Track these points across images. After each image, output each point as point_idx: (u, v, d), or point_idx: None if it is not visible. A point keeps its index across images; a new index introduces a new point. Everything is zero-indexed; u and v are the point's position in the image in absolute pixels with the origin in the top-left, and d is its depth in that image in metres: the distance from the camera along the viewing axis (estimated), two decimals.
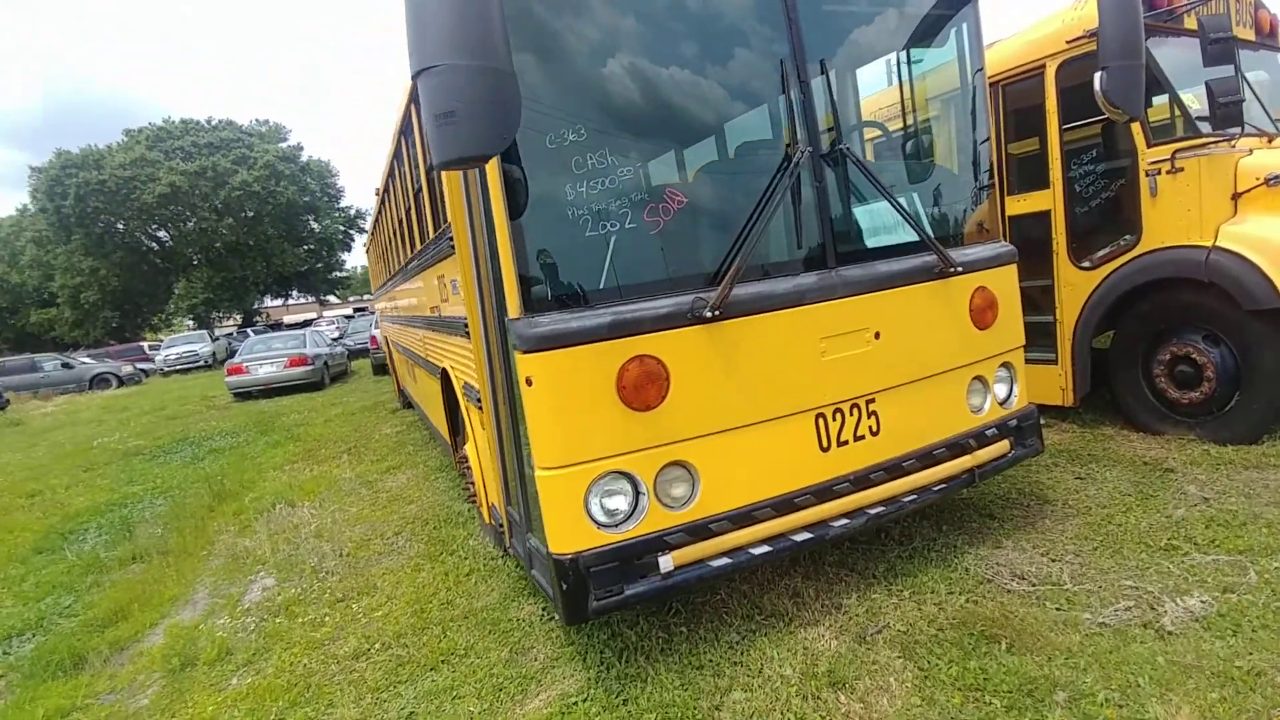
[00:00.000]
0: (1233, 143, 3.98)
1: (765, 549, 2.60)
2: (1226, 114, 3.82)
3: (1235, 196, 3.95)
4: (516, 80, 1.85)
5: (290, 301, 46.93)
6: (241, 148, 35.27)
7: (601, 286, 2.46)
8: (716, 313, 2.46)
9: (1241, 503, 3.33)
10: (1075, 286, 4.49)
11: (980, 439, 3.07)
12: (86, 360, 25.52)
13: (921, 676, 2.37)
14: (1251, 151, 3.98)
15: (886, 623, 2.69)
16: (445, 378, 4.45)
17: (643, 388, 2.42)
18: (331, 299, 46.97)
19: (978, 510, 3.62)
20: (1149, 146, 4.15)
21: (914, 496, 2.87)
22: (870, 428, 2.81)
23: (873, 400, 2.81)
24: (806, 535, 2.66)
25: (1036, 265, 4.72)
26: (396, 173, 5.72)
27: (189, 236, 35.37)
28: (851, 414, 2.77)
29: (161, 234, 36.68)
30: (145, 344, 32.53)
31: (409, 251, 5.61)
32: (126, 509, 6.69)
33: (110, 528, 6.09)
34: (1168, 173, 4.09)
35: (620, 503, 2.48)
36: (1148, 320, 4.31)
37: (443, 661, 2.99)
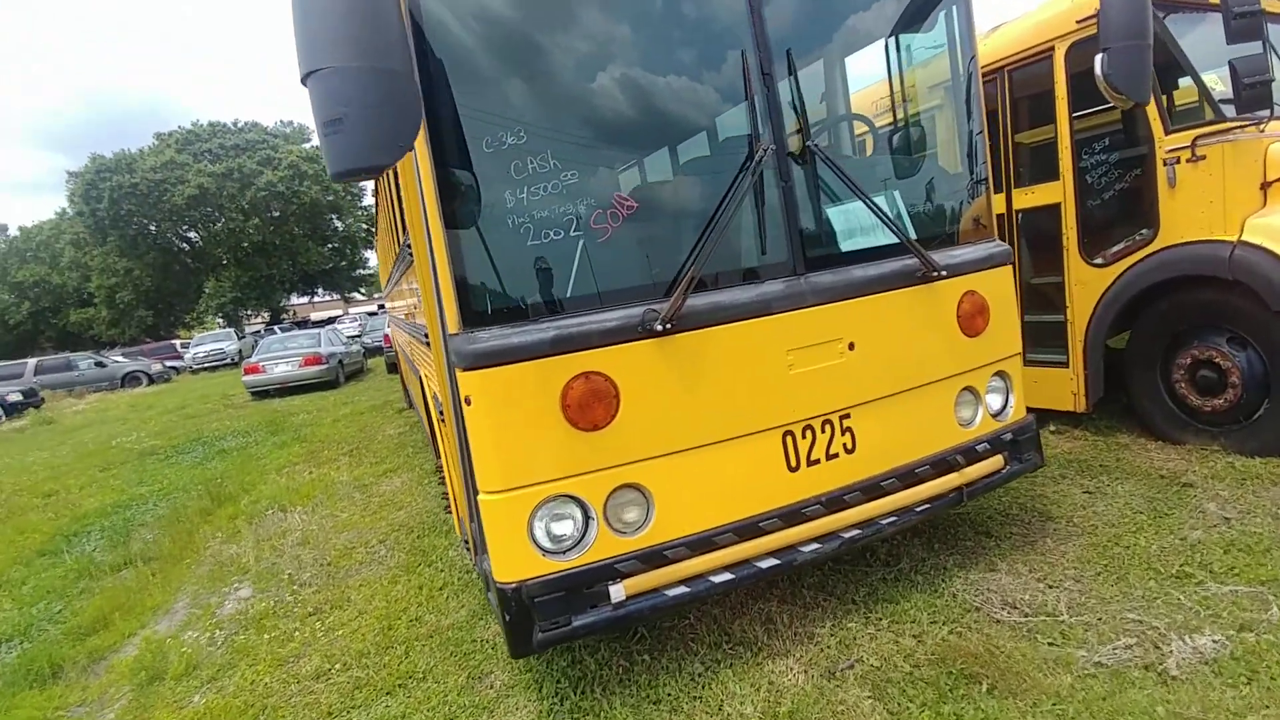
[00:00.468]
0: (1261, 127, 3.62)
1: (727, 577, 2.42)
2: (1254, 95, 3.45)
3: (1265, 186, 3.60)
4: (415, 82, 1.69)
5: (316, 299, 47.71)
6: (266, 149, 35.82)
7: (546, 299, 2.30)
8: (669, 325, 2.29)
9: (1267, 524, 3.03)
10: (1087, 284, 4.20)
11: (969, 455, 2.84)
12: (119, 359, 26.23)
13: None
14: None
15: (860, 656, 2.50)
16: (423, 385, 4.35)
17: (589, 406, 2.26)
18: (356, 296, 47.59)
19: (974, 527, 3.39)
20: (1167, 133, 3.84)
21: (894, 518, 2.66)
22: (845, 445, 2.61)
23: (847, 416, 2.61)
24: (773, 561, 2.48)
25: (1046, 261, 4.44)
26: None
27: (218, 237, 36.09)
28: (823, 431, 2.57)
29: (191, 235, 37.51)
30: (178, 342, 33.35)
31: (394, 254, 5.54)
32: (131, 511, 6.74)
33: (112, 531, 6.14)
34: (1188, 161, 3.78)
35: (568, 528, 2.32)
36: (1166, 321, 4.00)
37: (399, 686, 2.88)
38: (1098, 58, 2.75)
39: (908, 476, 2.71)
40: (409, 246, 3.21)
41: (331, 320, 36.27)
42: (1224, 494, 3.37)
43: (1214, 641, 2.32)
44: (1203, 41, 3.89)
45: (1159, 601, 2.61)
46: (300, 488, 6.32)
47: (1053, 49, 4.15)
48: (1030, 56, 4.30)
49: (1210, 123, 3.74)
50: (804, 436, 2.54)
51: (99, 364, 24.60)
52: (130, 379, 23.79)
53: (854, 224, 2.67)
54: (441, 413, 3.17)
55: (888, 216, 2.61)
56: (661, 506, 2.38)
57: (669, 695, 2.46)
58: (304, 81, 1.65)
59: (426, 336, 3.20)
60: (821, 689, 2.36)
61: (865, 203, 2.55)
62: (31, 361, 24.15)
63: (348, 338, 19.88)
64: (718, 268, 2.43)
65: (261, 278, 36.84)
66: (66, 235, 39.67)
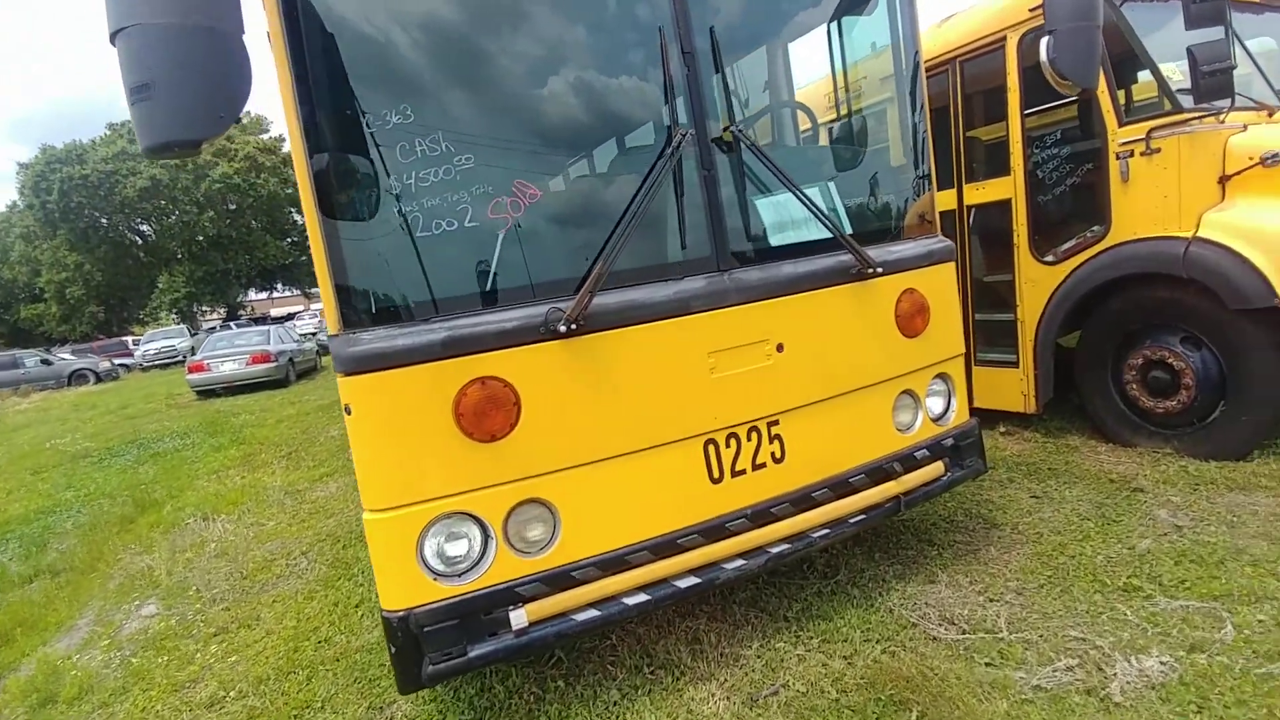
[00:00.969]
0: (1221, 117, 3.46)
1: (642, 598, 2.22)
2: (1213, 84, 3.25)
3: (1223, 180, 3.44)
4: (243, 43, 1.44)
5: (276, 295, 46.40)
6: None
7: (437, 297, 2.07)
8: (575, 326, 2.07)
9: (1221, 533, 2.88)
10: (1037, 282, 4.08)
11: (907, 462, 2.68)
12: (66, 356, 25.20)
13: None
14: (1245, 128, 3.44)
15: (785, 681, 2.31)
16: None
17: (485, 415, 2.04)
18: (316, 291, 46.44)
19: (916, 535, 3.24)
20: (1120, 126, 3.71)
21: (826, 531, 2.49)
22: (773, 454, 2.43)
23: (776, 422, 2.42)
24: (693, 580, 2.28)
25: (997, 259, 4.32)
26: None
27: (171, 230, 34.81)
28: (749, 439, 2.38)
29: (144, 228, 36.13)
30: (129, 339, 32.18)
31: None
32: (53, 518, 6.32)
33: (30, 539, 5.74)
34: (1142, 154, 3.65)
35: (463, 548, 2.10)
36: (1118, 320, 3.89)
37: (295, 717, 2.63)
38: (1043, 40, 2.59)
39: (841, 486, 2.54)
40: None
41: (291, 316, 35.27)
42: (1176, 500, 3.26)
43: (1162, 663, 2.17)
44: (1163, 31, 3.75)
45: (1104, 617, 2.47)
46: (229, 494, 5.97)
47: (1004, 39, 4.02)
48: (982, 47, 4.17)
49: (1167, 114, 3.58)
50: (728, 445, 2.35)
51: (45, 361, 23.61)
52: (77, 377, 22.85)
53: (784, 217, 2.48)
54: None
55: (819, 209, 2.42)
56: (569, 523, 2.17)
57: None
58: (112, 41, 1.40)
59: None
60: (741, 718, 2.17)
61: (795, 193, 2.36)
62: None
63: (301, 335, 19.26)
64: (631, 263, 2.21)
65: (217, 272, 35.64)
66: (16, 229, 38.02)
